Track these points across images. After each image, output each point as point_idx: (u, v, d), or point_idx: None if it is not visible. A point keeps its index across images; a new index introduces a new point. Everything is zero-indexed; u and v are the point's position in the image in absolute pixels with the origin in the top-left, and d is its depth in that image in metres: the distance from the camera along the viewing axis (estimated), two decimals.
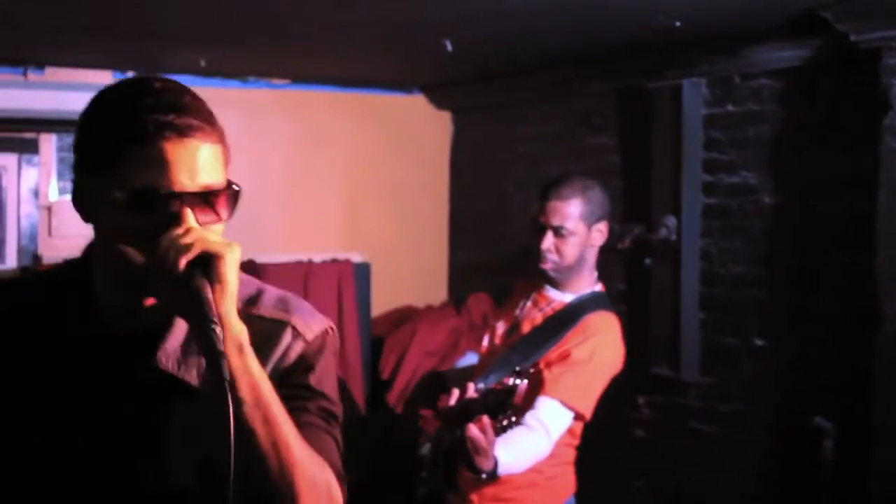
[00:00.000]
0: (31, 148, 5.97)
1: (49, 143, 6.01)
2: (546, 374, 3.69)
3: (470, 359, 5.45)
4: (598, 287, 3.96)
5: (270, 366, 1.85)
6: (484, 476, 3.47)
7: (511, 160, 6.45)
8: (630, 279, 5.58)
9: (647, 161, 5.41)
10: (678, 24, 4.51)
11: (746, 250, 5.06)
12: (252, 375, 1.70)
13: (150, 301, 1.83)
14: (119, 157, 1.74)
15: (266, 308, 1.92)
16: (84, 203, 1.85)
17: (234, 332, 1.70)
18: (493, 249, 6.62)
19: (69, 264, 2.00)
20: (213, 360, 1.65)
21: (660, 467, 5.47)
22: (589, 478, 4.02)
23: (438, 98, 6.85)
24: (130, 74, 6.02)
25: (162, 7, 4.43)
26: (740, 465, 5.07)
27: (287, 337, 1.89)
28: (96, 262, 1.91)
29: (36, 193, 6.00)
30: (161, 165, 1.72)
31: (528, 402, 3.60)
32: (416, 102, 6.87)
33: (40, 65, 5.87)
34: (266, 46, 5.39)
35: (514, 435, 3.54)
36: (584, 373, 3.71)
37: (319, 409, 1.88)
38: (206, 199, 1.77)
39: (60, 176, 6.03)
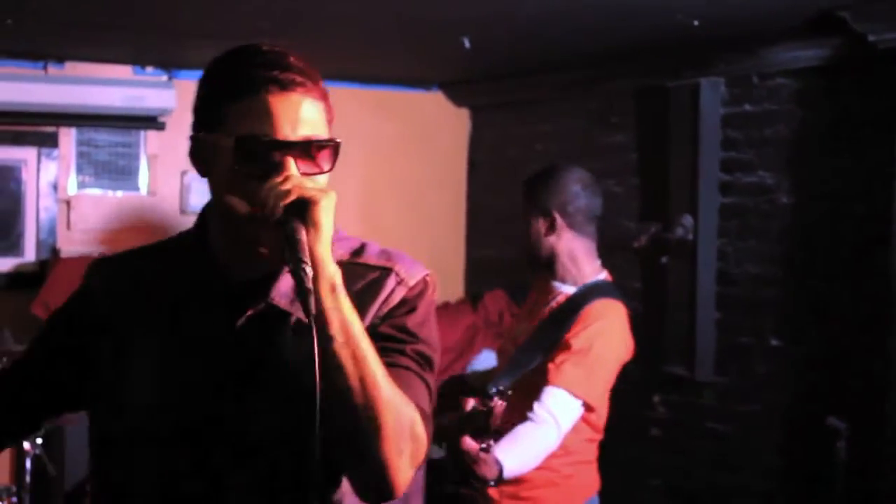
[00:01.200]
0: (51, 142, 6.00)
1: (68, 137, 6.03)
2: (550, 364, 3.68)
3: (486, 356, 5.46)
4: (603, 275, 3.93)
5: (375, 308, 1.96)
6: (492, 483, 3.46)
7: (529, 158, 6.44)
8: (646, 278, 5.58)
9: (664, 160, 5.41)
10: (696, 23, 4.51)
11: (763, 250, 5.05)
12: (342, 313, 1.79)
13: (261, 249, 1.90)
14: (227, 110, 1.88)
15: (370, 257, 2.03)
16: (199, 157, 1.98)
17: (328, 272, 1.78)
18: (509, 247, 6.62)
19: (184, 232, 2.14)
20: (303, 297, 1.73)
21: (674, 466, 5.47)
22: (604, 476, 4.02)
23: (457, 95, 6.86)
24: (150, 69, 6.06)
25: (181, 2, 4.45)
26: (755, 465, 5.07)
27: (391, 282, 1.99)
28: (210, 219, 2.04)
29: (55, 187, 6.02)
30: (265, 116, 1.85)
31: (529, 397, 3.59)
32: (435, 99, 6.88)
33: (60, 59, 5.90)
34: (285, 42, 5.40)
35: (517, 432, 3.54)
36: (586, 361, 3.66)
37: (415, 352, 1.96)
38: (306, 150, 1.87)
39: (79, 170, 6.06)
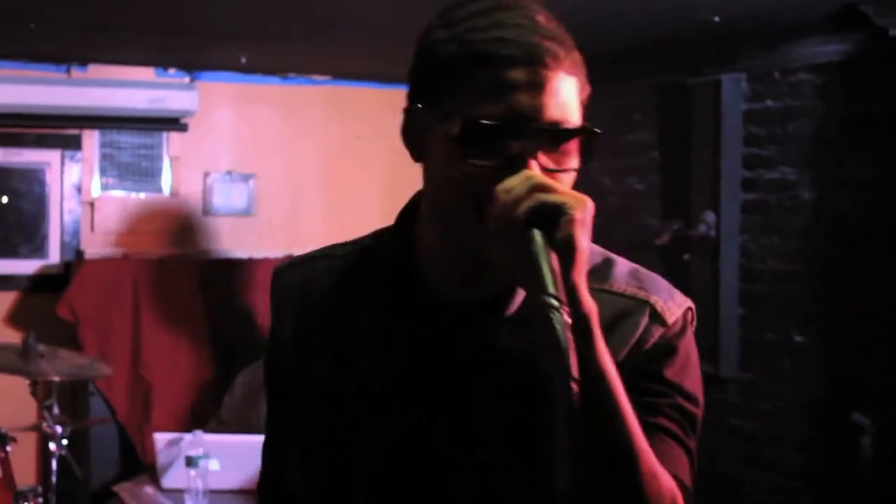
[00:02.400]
0: (74, 144, 6.03)
1: (92, 140, 6.06)
2: None
3: None
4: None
5: (625, 351, 1.54)
6: None
7: None
8: (669, 275, 5.53)
9: (686, 157, 5.40)
10: (717, 19, 4.50)
11: (786, 246, 5.04)
12: (598, 367, 1.38)
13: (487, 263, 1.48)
14: (454, 81, 1.47)
15: (619, 282, 1.60)
16: (412, 137, 1.57)
17: (583, 311, 1.37)
18: None
19: (382, 232, 1.72)
20: (554, 351, 1.31)
21: (699, 463, 5.45)
22: None
23: None
24: (172, 71, 6.08)
25: (203, 4, 4.46)
26: (779, 462, 5.06)
27: (645, 318, 1.57)
28: (422, 216, 1.62)
29: (79, 189, 6.05)
30: (503, 93, 1.44)
31: None
32: None
33: (83, 62, 5.93)
34: (306, 43, 5.42)
35: None
36: None
37: (674, 409, 1.56)
38: (555, 139, 1.48)
39: (103, 172, 6.08)
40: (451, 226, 1.53)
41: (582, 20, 4.66)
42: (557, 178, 1.48)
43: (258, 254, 6.17)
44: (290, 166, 6.43)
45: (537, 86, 1.45)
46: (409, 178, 6.07)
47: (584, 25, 4.89)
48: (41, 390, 4.91)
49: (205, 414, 5.69)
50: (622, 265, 1.64)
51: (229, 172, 6.28)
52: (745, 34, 4.89)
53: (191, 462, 4.58)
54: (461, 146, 1.45)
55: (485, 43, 1.46)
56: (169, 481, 4.84)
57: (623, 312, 1.56)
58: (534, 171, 1.44)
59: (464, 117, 1.45)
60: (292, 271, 1.78)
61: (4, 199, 6.03)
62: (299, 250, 6.23)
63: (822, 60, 4.83)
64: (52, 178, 6.03)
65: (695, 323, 1.64)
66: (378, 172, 6.55)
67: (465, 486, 1.56)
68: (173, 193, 6.21)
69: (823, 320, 4.89)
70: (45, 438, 4.95)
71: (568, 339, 1.31)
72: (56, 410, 4.87)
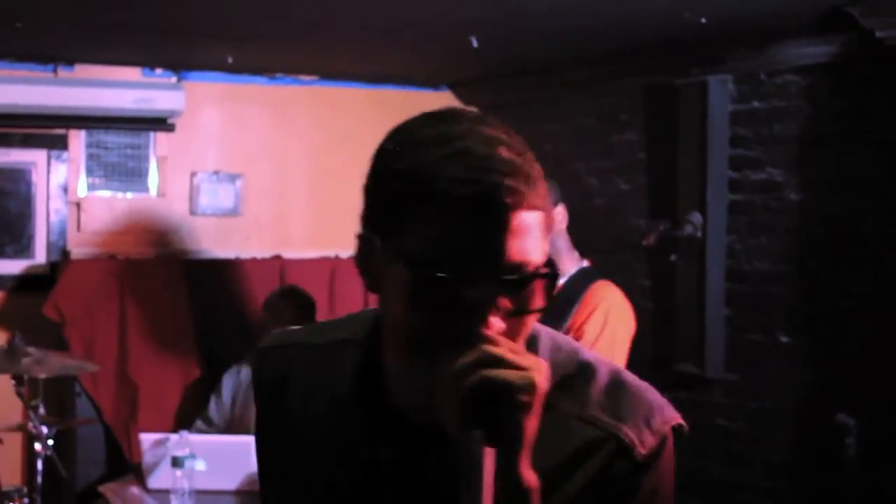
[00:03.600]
0: (61, 144, 6.01)
1: (78, 140, 6.05)
2: None
3: None
4: (585, 263, 4.04)
5: (587, 485, 1.43)
6: None
7: (538, 157, 6.41)
8: (655, 276, 5.58)
9: (673, 158, 5.41)
10: (704, 20, 4.51)
11: (772, 247, 5.05)
12: None
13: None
14: (407, 220, 1.36)
15: (591, 407, 1.46)
16: (366, 265, 1.46)
17: (523, 491, 1.31)
18: None
19: (364, 320, 1.60)
20: None
21: (684, 463, 5.46)
22: None
23: (465, 94, 6.86)
24: (159, 71, 6.07)
25: (190, 4, 4.46)
26: (764, 461, 5.07)
27: (610, 454, 1.44)
28: (383, 337, 1.51)
29: (65, 189, 6.04)
30: (458, 240, 1.33)
31: None
32: (443, 99, 6.88)
33: (70, 62, 5.92)
34: (293, 43, 5.42)
35: None
36: (603, 343, 3.79)
37: None
38: (516, 285, 1.36)
39: (89, 172, 6.07)
40: (410, 365, 1.43)
41: (570, 21, 4.68)
42: (520, 322, 1.39)
43: (245, 254, 6.17)
44: (277, 166, 6.42)
45: (497, 230, 1.33)
46: None
47: (572, 26, 4.93)
48: (27, 390, 4.90)
49: (191, 414, 5.69)
50: (601, 379, 1.50)
51: (216, 172, 6.27)
52: (732, 35, 4.90)
53: (177, 462, 4.57)
54: (413, 295, 1.35)
55: (439, 182, 1.34)
56: (155, 482, 4.83)
57: (590, 445, 1.44)
58: (489, 339, 1.33)
59: (416, 267, 1.34)
60: (273, 354, 1.70)
61: None
62: (286, 251, 6.25)
63: (808, 62, 4.84)
64: (38, 178, 6.02)
65: (672, 446, 1.52)
66: (364, 171, 6.53)
67: None
68: (160, 193, 6.20)
69: (809, 321, 4.90)
70: (30, 438, 4.94)
71: None
72: (42, 410, 4.86)
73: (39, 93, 5.73)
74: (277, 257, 6.13)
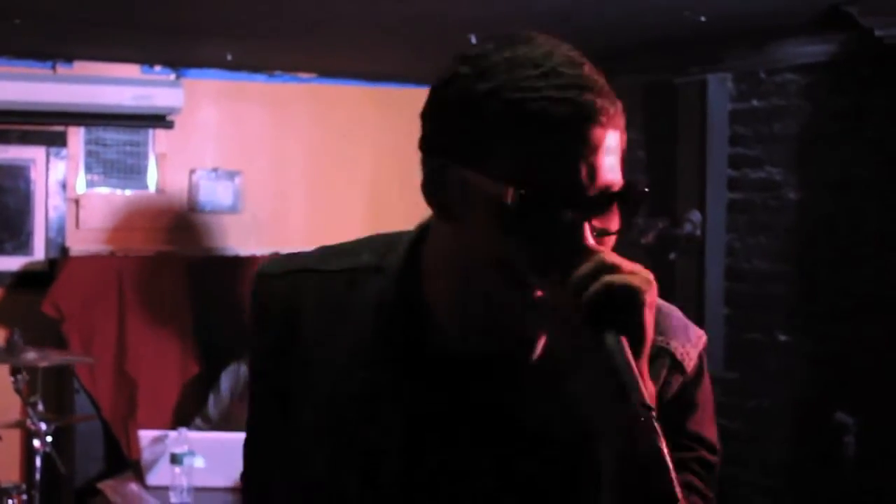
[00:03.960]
0: (59, 141, 6.01)
1: (77, 136, 6.05)
2: None
3: None
4: None
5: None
6: None
7: None
8: (653, 274, 5.56)
9: (672, 156, 5.41)
10: (703, 18, 4.51)
11: (771, 246, 5.05)
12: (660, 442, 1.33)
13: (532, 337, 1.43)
14: (503, 143, 1.34)
15: None
16: (444, 194, 1.43)
17: (651, 393, 1.33)
18: None
19: (389, 244, 1.56)
20: (652, 462, 1.28)
21: None
22: None
23: None
24: (158, 68, 6.07)
25: (189, 1, 4.46)
26: (763, 461, 5.07)
27: (665, 368, 1.49)
28: (432, 260, 1.49)
29: (64, 186, 6.04)
30: (560, 159, 1.33)
31: None
32: None
33: (68, 58, 5.91)
34: (292, 41, 5.41)
35: None
36: None
37: (699, 464, 1.55)
38: (607, 203, 1.37)
39: (88, 169, 6.07)
40: (487, 299, 1.40)
41: (569, 20, 4.68)
42: (606, 241, 1.39)
43: (244, 251, 6.16)
44: (276, 164, 6.42)
45: (593, 149, 1.35)
46: (394, 177, 6.10)
47: (571, 25, 4.91)
48: (26, 387, 4.90)
49: (190, 411, 5.69)
50: None
51: (215, 169, 6.27)
52: (732, 34, 4.90)
53: (176, 459, 4.57)
54: (513, 217, 1.33)
55: (535, 102, 1.33)
56: (154, 478, 4.83)
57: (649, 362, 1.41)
58: (599, 249, 1.34)
59: (518, 185, 1.32)
60: (279, 281, 1.58)
61: None
62: (285, 247, 6.23)
63: (807, 60, 4.84)
64: (37, 175, 6.02)
65: (704, 359, 1.57)
66: (363, 170, 6.55)
67: None
68: (159, 190, 6.20)
69: (808, 320, 4.90)
70: (29, 435, 4.94)
71: (662, 449, 1.27)
72: (40, 407, 4.86)
73: (38, 89, 5.73)
74: (277, 254, 6.12)
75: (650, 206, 5.59)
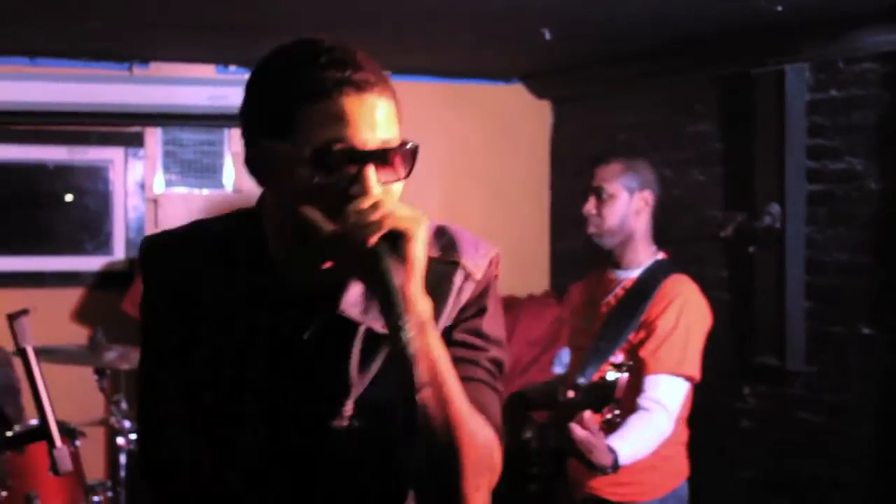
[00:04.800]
0: (137, 141, 6.08)
1: (154, 137, 6.12)
2: (641, 353, 3.72)
3: (566, 353, 5.46)
4: (661, 255, 4.00)
5: (447, 309, 1.85)
6: (610, 471, 3.48)
7: (611, 149, 6.40)
8: (732, 267, 5.52)
9: (749, 148, 5.36)
10: (780, 8, 4.45)
11: (852, 237, 4.98)
12: (431, 354, 1.69)
13: (327, 264, 1.80)
14: (297, 115, 1.73)
15: (435, 248, 1.87)
16: (258, 165, 1.82)
17: (418, 310, 1.67)
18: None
19: (239, 217, 1.97)
20: (401, 358, 1.60)
21: (766, 457, 5.41)
22: (693, 468, 4.01)
23: (538, 87, 6.84)
24: (232, 68, 6.11)
25: (261, 1, 4.48)
26: (846, 455, 5.00)
27: (458, 279, 1.86)
28: (268, 222, 1.88)
29: (142, 186, 6.11)
30: (342, 121, 1.71)
31: (632, 391, 3.62)
32: (516, 92, 6.87)
33: (145, 60, 5.98)
34: (364, 38, 5.42)
35: (629, 422, 3.58)
36: (677, 338, 3.76)
37: (489, 361, 1.87)
38: (385, 156, 1.74)
39: (166, 169, 6.14)
40: (302, 234, 1.75)
41: (644, 11, 4.65)
42: (388, 189, 1.75)
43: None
44: None
45: (367, 112, 1.72)
46: (468, 172, 6.09)
47: (646, 16, 4.89)
48: (109, 385, 4.96)
49: None
50: (436, 231, 1.89)
51: None
52: (809, 23, 4.84)
53: None
54: (312, 168, 1.71)
55: (319, 80, 1.71)
56: None
57: (441, 275, 1.84)
58: (375, 188, 1.71)
59: (312, 146, 1.70)
60: (165, 249, 1.95)
61: (69, 198, 6.11)
62: None
63: (886, 49, 4.76)
64: (115, 176, 6.09)
65: (499, 269, 1.92)
66: (438, 166, 6.55)
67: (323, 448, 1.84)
68: (236, 189, 6.26)
69: (891, 312, 4.83)
70: (113, 433, 5.01)
71: (413, 353, 1.59)
72: (124, 405, 4.92)
73: (116, 91, 5.80)
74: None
75: (728, 199, 5.54)
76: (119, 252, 6.10)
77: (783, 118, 5.14)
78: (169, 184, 6.16)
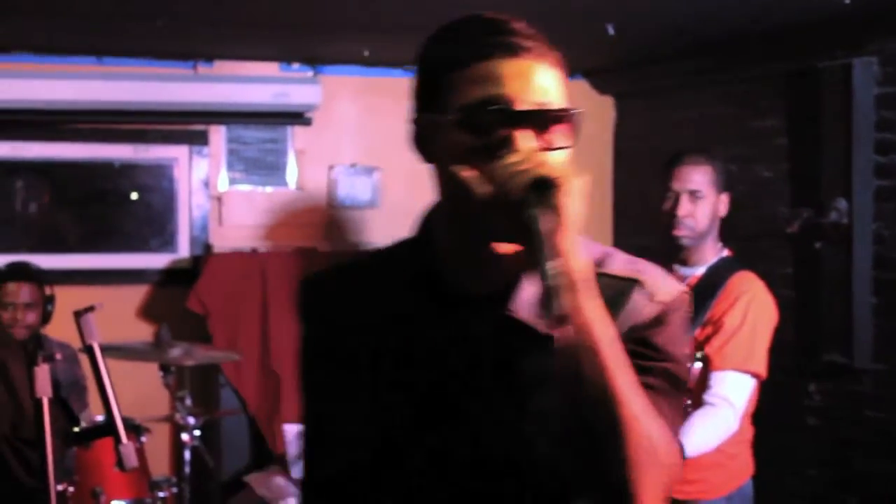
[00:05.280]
0: (201, 139, 6.12)
1: (218, 135, 6.15)
2: (707, 350, 3.70)
3: None
4: (726, 252, 3.98)
5: (619, 323, 1.67)
6: None
7: (675, 145, 6.36)
8: (798, 264, 5.47)
9: (816, 143, 5.30)
10: (847, 1, 4.40)
11: None
12: (590, 315, 1.54)
13: (498, 248, 1.69)
14: (450, 81, 1.69)
15: (615, 268, 1.75)
16: (421, 141, 1.78)
17: (574, 267, 1.54)
18: (658, 234, 6.55)
19: (401, 241, 1.89)
20: (545, 294, 1.49)
21: (832, 455, 5.36)
22: (760, 466, 3.98)
23: (601, 83, 6.81)
24: (296, 66, 6.14)
25: None
26: None
27: (637, 296, 1.72)
28: (435, 222, 1.80)
29: (206, 184, 6.15)
30: (493, 81, 1.64)
31: (701, 384, 3.62)
32: (579, 87, 6.84)
33: (209, 58, 6.02)
34: (427, 34, 5.42)
35: (695, 416, 3.57)
36: (743, 335, 3.75)
37: (664, 372, 1.69)
38: (541, 121, 1.65)
39: (230, 166, 6.17)
40: (461, 205, 1.66)
41: (708, 5, 4.61)
42: (548, 156, 1.65)
43: (383, 245, 6.19)
44: (414, 158, 6.42)
45: (521, 73, 1.64)
46: None
47: (710, 10, 4.85)
48: (174, 382, 5.00)
49: None
50: (620, 256, 1.80)
51: (353, 165, 6.32)
52: (876, 16, 4.78)
53: None
54: (460, 128, 1.64)
55: (475, 45, 1.69)
56: (299, 472, 4.89)
57: (618, 291, 1.70)
58: (525, 146, 1.61)
59: (462, 106, 1.65)
60: (323, 283, 1.93)
61: (134, 196, 6.16)
62: None
63: None
64: (180, 174, 6.14)
65: (689, 310, 1.78)
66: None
67: (502, 467, 1.70)
68: (299, 187, 6.28)
69: None
70: (178, 429, 5.05)
71: (554, 282, 1.48)
72: (188, 402, 4.96)
73: (180, 89, 5.84)
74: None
75: (794, 195, 5.49)
76: (183, 250, 6.14)
77: (850, 112, 5.08)
78: (233, 182, 6.20)
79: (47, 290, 5.15)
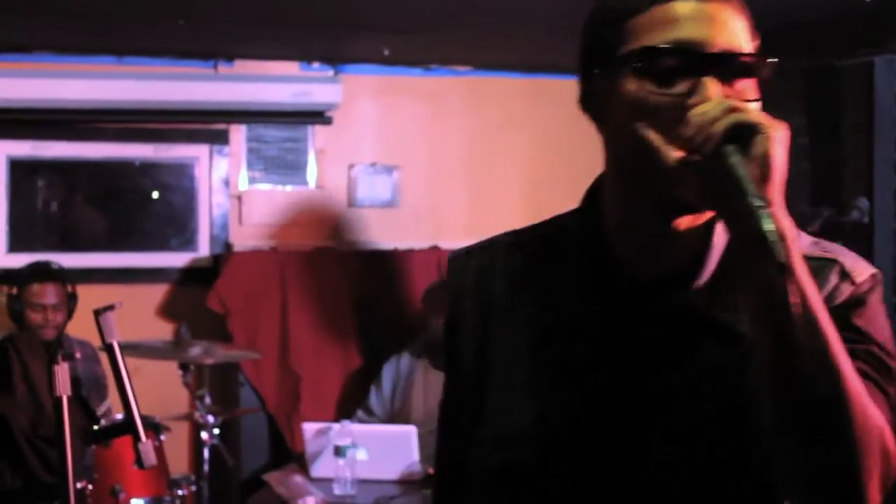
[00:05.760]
0: (222, 139, 6.13)
1: (239, 134, 6.16)
2: None
3: None
4: None
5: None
6: None
7: None
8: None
9: (836, 142, 5.28)
10: None
11: None
12: (798, 276, 1.35)
13: (678, 223, 1.52)
14: (626, 30, 1.50)
15: (805, 247, 1.55)
16: (591, 102, 1.60)
17: (785, 223, 1.37)
18: None
19: (563, 215, 1.70)
20: (758, 244, 1.31)
21: None
22: None
23: None
24: (316, 65, 6.14)
25: None
26: None
27: (834, 277, 1.55)
28: (606, 192, 1.62)
29: (226, 183, 6.15)
30: (675, 23, 1.47)
31: None
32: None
33: (229, 57, 6.03)
34: (448, 34, 5.42)
35: None
36: None
37: (868, 355, 1.50)
38: (732, 67, 1.49)
39: (250, 165, 6.18)
40: (640, 166, 1.48)
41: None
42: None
43: (403, 245, 6.20)
44: (434, 157, 6.44)
45: (705, 17, 1.47)
46: (552, 168, 6.05)
47: None
48: (193, 380, 5.01)
49: (352, 404, 5.75)
50: (805, 237, 1.61)
51: (373, 164, 6.32)
52: None
53: (339, 451, 4.63)
54: (640, 79, 1.47)
55: None
56: (317, 470, 4.90)
57: (814, 271, 1.43)
58: (716, 92, 1.44)
59: (640, 49, 1.47)
60: (470, 258, 1.75)
61: (155, 194, 6.17)
62: (444, 241, 6.24)
63: None
64: (200, 173, 6.15)
65: (882, 288, 1.60)
66: (521, 162, 6.53)
67: (668, 461, 1.54)
68: (319, 186, 6.28)
69: None
70: (197, 428, 5.06)
71: (773, 228, 1.32)
72: (208, 400, 4.97)
73: (201, 88, 5.85)
74: (435, 248, 6.14)
75: (815, 193, 5.46)
76: (203, 248, 6.15)
77: (871, 110, 5.06)
78: (253, 181, 6.20)
79: (69, 289, 5.17)
